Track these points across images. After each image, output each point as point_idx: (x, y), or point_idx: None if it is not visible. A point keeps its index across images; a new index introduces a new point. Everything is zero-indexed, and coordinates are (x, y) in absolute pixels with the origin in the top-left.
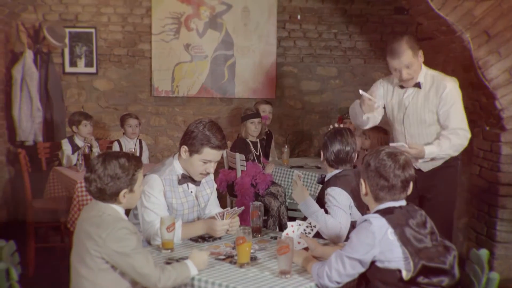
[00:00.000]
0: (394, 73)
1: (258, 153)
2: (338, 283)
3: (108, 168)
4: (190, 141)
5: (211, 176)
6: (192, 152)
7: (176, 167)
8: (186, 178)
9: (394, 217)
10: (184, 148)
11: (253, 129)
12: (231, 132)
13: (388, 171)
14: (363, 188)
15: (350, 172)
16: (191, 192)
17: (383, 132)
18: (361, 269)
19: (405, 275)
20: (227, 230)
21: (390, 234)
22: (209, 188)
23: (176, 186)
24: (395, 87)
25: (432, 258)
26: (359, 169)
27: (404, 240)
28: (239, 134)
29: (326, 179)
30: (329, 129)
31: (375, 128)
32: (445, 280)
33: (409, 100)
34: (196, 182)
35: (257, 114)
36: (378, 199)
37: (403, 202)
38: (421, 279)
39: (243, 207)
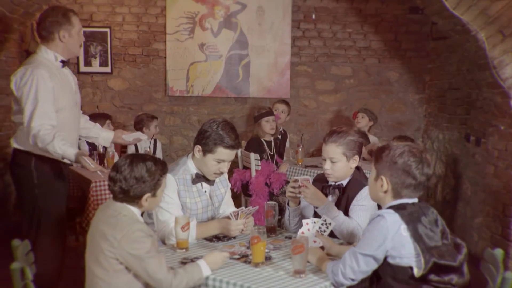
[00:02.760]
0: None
1: (272, 153)
2: (353, 280)
3: (134, 170)
4: (203, 140)
5: (225, 175)
6: (205, 151)
7: (190, 166)
8: (200, 178)
9: (407, 213)
10: (198, 147)
11: (269, 127)
12: (246, 131)
13: (416, 170)
14: (384, 185)
15: (357, 171)
16: (205, 191)
17: (410, 140)
18: (375, 265)
19: (416, 272)
20: (242, 230)
21: (403, 230)
22: (223, 188)
23: (190, 185)
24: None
25: (443, 256)
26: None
27: (416, 237)
28: (253, 134)
29: (345, 184)
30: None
31: (401, 137)
32: (455, 278)
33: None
34: (210, 182)
35: (271, 112)
36: (397, 196)
37: (416, 199)
38: (432, 277)
39: (257, 207)
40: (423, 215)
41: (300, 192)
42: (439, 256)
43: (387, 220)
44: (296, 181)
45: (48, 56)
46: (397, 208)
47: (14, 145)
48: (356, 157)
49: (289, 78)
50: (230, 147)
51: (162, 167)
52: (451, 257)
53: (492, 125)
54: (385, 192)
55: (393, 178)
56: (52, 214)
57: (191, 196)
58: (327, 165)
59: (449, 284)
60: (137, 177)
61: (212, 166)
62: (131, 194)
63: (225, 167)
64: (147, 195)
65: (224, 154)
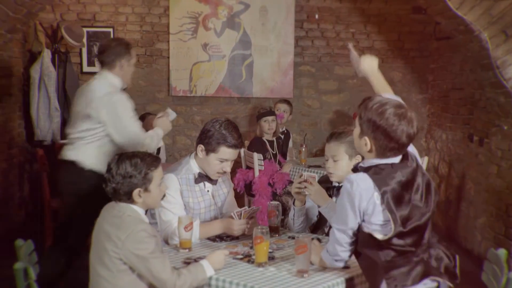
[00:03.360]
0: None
1: (274, 152)
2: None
3: (120, 168)
4: (206, 140)
5: (228, 175)
6: (208, 151)
7: (192, 166)
8: (202, 177)
9: (382, 177)
10: (201, 147)
11: (267, 127)
12: (249, 131)
13: (400, 134)
14: (367, 144)
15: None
16: (208, 191)
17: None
18: (354, 236)
19: (381, 237)
20: (245, 230)
21: (376, 197)
22: (225, 188)
23: (192, 185)
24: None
25: (410, 218)
26: None
27: (388, 206)
28: (255, 134)
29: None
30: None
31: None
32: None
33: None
34: (213, 181)
35: (270, 112)
36: (382, 155)
37: (397, 159)
38: (394, 241)
39: (260, 207)
40: (400, 177)
41: (305, 187)
42: (407, 219)
43: (360, 186)
44: (302, 176)
45: (114, 81)
46: (373, 173)
47: (86, 163)
48: (359, 157)
49: (292, 78)
50: (233, 147)
51: (151, 160)
52: (418, 216)
53: (495, 125)
54: (369, 151)
55: (375, 141)
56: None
57: (194, 196)
58: (329, 164)
59: (408, 247)
60: (122, 174)
61: (215, 166)
62: (121, 192)
63: (228, 166)
64: (138, 190)
65: (227, 154)
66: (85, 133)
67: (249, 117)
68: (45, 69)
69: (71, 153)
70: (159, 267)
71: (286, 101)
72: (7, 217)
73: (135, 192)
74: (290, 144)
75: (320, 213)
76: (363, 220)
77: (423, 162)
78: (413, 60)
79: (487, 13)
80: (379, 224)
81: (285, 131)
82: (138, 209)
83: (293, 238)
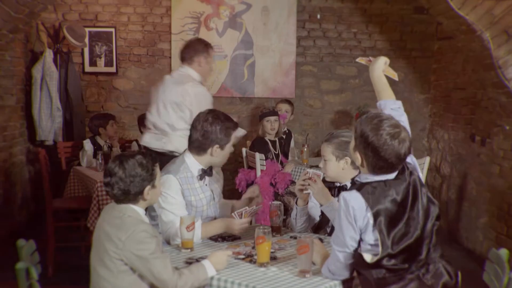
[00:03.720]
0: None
1: (277, 152)
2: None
3: (127, 169)
4: (216, 139)
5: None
6: (223, 145)
7: (190, 164)
8: (204, 173)
9: (375, 198)
10: (216, 147)
11: (269, 127)
12: (251, 131)
13: (390, 154)
14: (358, 159)
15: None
16: (206, 185)
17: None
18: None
19: (370, 259)
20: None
21: (369, 216)
22: (217, 182)
23: (192, 183)
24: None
25: (401, 239)
26: None
27: (380, 227)
28: (258, 133)
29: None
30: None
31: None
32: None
33: None
34: (210, 174)
35: (273, 112)
36: (373, 172)
37: (393, 176)
38: (385, 262)
39: (260, 206)
40: (394, 195)
41: (308, 185)
42: (402, 237)
43: (353, 206)
44: (307, 173)
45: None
46: (365, 192)
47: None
48: (348, 159)
49: (294, 78)
50: (237, 125)
51: (151, 157)
52: (409, 235)
53: (497, 125)
54: (362, 166)
55: (366, 157)
56: None
57: (195, 193)
58: (321, 164)
59: (401, 264)
60: (132, 174)
61: (229, 152)
62: (133, 192)
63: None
64: (148, 188)
65: (238, 133)
66: (176, 124)
67: (251, 117)
68: (47, 69)
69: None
70: (160, 267)
71: (288, 101)
72: (9, 217)
73: (146, 190)
74: (292, 144)
75: (322, 213)
76: (360, 238)
77: (425, 162)
78: (415, 60)
79: (489, 13)
80: (371, 244)
81: (287, 131)
82: (138, 210)
83: (295, 238)
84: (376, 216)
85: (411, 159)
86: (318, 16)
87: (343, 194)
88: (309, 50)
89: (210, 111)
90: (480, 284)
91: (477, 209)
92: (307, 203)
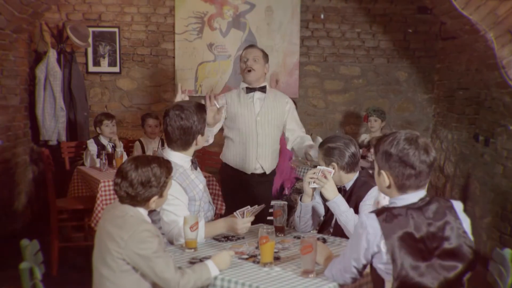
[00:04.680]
0: (241, 64)
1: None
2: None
3: (140, 175)
4: (197, 130)
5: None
6: (204, 131)
7: (177, 160)
8: (195, 163)
9: (393, 226)
10: (199, 137)
11: None
12: None
13: (413, 158)
14: (385, 180)
15: (364, 171)
16: (197, 170)
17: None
18: (359, 270)
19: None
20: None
21: (382, 245)
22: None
23: (188, 176)
24: (241, 93)
25: (422, 275)
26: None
27: (394, 256)
28: None
29: (348, 188)
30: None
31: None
32: None
33: (260, 103)
34: (196, 162)
35: None
36: (402, 189)
37: (422, 193)
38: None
39: (263, 205)
40: (411, 229)
41: (317, 178)
42: (419, 275)
43: (369, 232)
44: (317, 169)
45: None
46: (384, 219)
47: None
48: (334, 164)
49: (298, 78)
50: (204, 107)
51: (167, 168)
52: (430, 276)
53: (501, 125)
54: (389, 187)
55: (392, 172)
56: None
57: (194, 186)
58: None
59: None
60: (143, 182)
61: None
62: (139, 199)
63: None
64: (155, 197)
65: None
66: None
67: None
68: (50, 69)
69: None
70: (162, 266)
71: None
72: (12, 217)
73: (152, 199)
74: None
75: (326, 213)
76: (372, 258)
77: None
78: (419, 60)
79: (493, 13)
80: (382, 269)
81: None
82: (140, 210)
83: (299, 238)
84: (388, 244)
85: (467, 224)
86: (322, 16)
87: (362, 216)
88: (313, 50)
89: (175, 106)
90: (484, 284)
91: (480, 209)
92: (312, 199)
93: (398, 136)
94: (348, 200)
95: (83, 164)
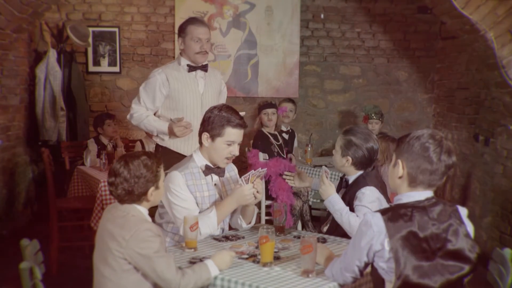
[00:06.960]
0: (193, 43)
1: (279, 143)
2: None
3: (132, 169)
4: (209, 126)
5: (235, 170)
6: (214, 136)
7: (197, 160)
8: (210, 169)
9: (398, 225)
10: (206, 135)
11: (266, 119)
12: (254, 131)
13: (433, 154)
14: (399, 170)
15: (371, 172)
16: (215, 184)
17: (390, 140)
18: (361, 269)
19: (387, 286)
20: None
21: (386, 243)
22: (232, 171)
23: (198, 179)
24: (182, 71)
25: (425, 274)
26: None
27: (397, 256)
28: (256, 128)
29: (350, 182)
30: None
31: (384, 136)
32: None
33: (203, 82)
34: (220, 173)
35: (270, 105)
36: (413, 183)
37: (430, 193)
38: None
39: (265, 169)
40: (415, 229)
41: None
42: (421, 274)
43: (374, 230)
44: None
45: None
46: (389, 218)
47: None
48: (348, 158)
49: (298, 78)
50: (238, 126)
51: (156, 158)
52: (432, 276)
53: (501, 125)
54: (400, 177)
55: (409, 162)
56: None
57: (200, 189)
58: (334, 151)
59: None
60: (137, 175)
61: (222, 150)
62: (136, 193)
63: (236, 149)
64: (151, 189)
65: (233, 135)
66: None
67: (254, 117)
68: (50, 68)
69: None
70: (163, 266)
71: (291, 100)
72: (12, 217)
73: (150, 191)
74: (295, 143)
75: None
76: (374, 256)
77: None
78: (419, 60)
79: (493, 12)
80: (384, 269)
81: (290, 131)
82: (142, 209)
83: (299, 237)
84: (392, 243)
85: (470, 229)
86: (322, 16)
87: (367, 215)
88: (313, 50)
89: (222, 105)
90: (484, 284)
91: (480, 208)
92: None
93: (426, 132)
94: (346, 193)
95: (83, 164)
